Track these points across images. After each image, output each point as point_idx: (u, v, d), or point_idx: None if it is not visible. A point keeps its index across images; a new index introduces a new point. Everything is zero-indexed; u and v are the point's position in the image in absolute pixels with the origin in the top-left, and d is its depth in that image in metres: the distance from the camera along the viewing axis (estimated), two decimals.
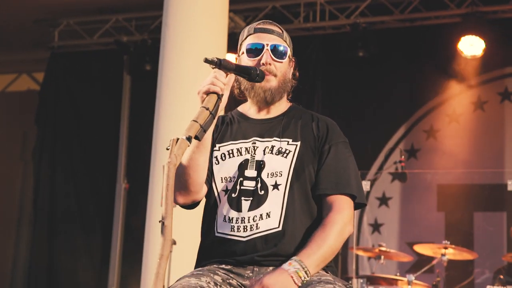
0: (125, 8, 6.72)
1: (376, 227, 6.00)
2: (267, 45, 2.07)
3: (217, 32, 4.79)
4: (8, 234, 8.09)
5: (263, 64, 2.06)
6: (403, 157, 5.28)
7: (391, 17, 5.96)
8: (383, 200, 6.02)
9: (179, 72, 4.78)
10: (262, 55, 2.05)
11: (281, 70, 2.10)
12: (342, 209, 2.01)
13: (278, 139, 2.14)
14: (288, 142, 2.13)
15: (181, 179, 2.06)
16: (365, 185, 5.06)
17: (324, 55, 6.28)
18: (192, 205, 2.15)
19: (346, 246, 5.54)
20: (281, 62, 2.09)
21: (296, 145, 2.12)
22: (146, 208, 4.68)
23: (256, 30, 2.13)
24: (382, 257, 5.00)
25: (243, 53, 2.11)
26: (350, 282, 5.24)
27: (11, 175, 8.12)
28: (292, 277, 1.83)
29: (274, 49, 2.09)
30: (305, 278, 1.84)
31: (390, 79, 6.16)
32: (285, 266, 1.88)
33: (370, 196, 6.03)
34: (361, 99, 6.23)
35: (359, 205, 2.14)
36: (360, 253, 5.58)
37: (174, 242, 3.84)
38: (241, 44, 2.15)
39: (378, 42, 5.94)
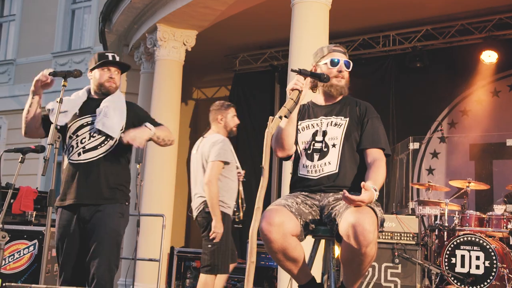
0: (275, 44, 9.91)
1: (430, 171, 8.90)
2: (342, 60, 3.01)
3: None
4: None
5: (339, 71, 3.00)
6: (442, 128, 8.52)
7: (437, 41, 8.90)
8: (434, 154, 8.90)
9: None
10: (340, 66, 3.01)
11: (346, 76, 3.08)
12: (382, 158, 2.90)
13: (335, 117, 3.03)
14: (341, 118, 3.01)
15: (279, 142, 2.92)
16: (415, 145, 8.40)
17: (396, 66, 9.18)
18: (286, 158, 3.04)
19: (408, 182, 8.23)
20: (348, 71, 3.06)
21: (346, 120, 2.99)
22: None
23: (334, 50, 3.07)
24: (430, 188, 7.18)
25: (325, 64, 3.02)
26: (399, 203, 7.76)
27: None
28: (375, 189, 2.66)
29: (345, 63, 3.05)
30: (377, 192, 2.69)
31: (437, 80, 8.93)
32: (370, 188, 2.66)
33: (426, 151, 8.93)
34: (420, 91, 8.94)
35: (387, 155, 2.97)
36: (417, 186, 8.09)
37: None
38: (321, 58, 3.06)
39: (428, 57, 8.87)
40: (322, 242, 3.07)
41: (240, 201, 5.27)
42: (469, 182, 7.02)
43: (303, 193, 2.97)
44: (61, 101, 3.18)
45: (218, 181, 4.92)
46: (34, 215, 5.98)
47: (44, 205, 6.40)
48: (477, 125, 8.91)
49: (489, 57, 8.69)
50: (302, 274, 2.89)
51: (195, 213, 5.03)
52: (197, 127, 11.69)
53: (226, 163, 4.91)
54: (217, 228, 4.71)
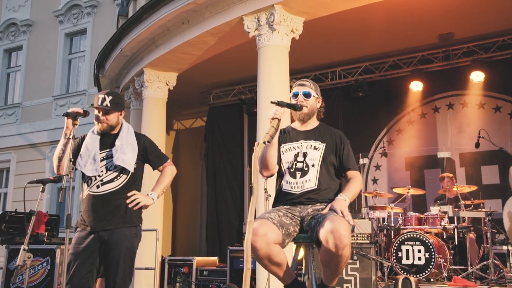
0: (242, 81, 9.94)
1: (375, 181, 9.02)
2: (300, 92, 2.95)
3: (284, 89, 6.14)
4: (195, 207, 11.38)
5: (300, 101, 2.96)
6: (384, 144, 8.60)
7: (374, 74, 9.02)
8: (377, 167, 9.06)
9: (266, 111, 5.48)
10: (299, 96, 2.95)
11: (309, 104, 2.97)
12: (358, 175, 2.97)
13: (314, 141, 2.97)
14: (319, 143, 2.96)
15: (264, 163, 2.86)
16: (365, 160, 8.53)
17: (342, 96, 9.32)
18: (270, 176, 2.96)
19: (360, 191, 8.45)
20: (308, 100, 2.95)
21: (324, 145, 2.96)
22: None
23: (297, 85, 3.01)
24: (377, 196, 7.21)
25: (292, 96, 3.00)
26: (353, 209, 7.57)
27: (196, 170, 11.50)
28: (345, 200, 2.75)
29: (304, 93, 2.96)
30: (346, 201, 2.75)
31: (376, 106, 9.06)
32: (339, 197, 2.75)
33: (370, 165, 8.98)
34: (363, 115, 9.08)
35: None
36: (366, 194, 8.06)
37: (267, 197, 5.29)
38: (291, 91, 3.03)
39: (368, 88, 9.00)
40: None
41: None
42: (409, 189, 7.07)
43: (285, 206, 2.89)
44: (73, 138, 3.05)
45: None
46: (46, 236, 5.75)
47: (54, 227, 6.20)
48: (410, 142, 8.95)
49: (416, 86, 8.81)
50: (286, 276, 2.79)
51: None
52: (178, 153, 11.56)
53: None
54: None
